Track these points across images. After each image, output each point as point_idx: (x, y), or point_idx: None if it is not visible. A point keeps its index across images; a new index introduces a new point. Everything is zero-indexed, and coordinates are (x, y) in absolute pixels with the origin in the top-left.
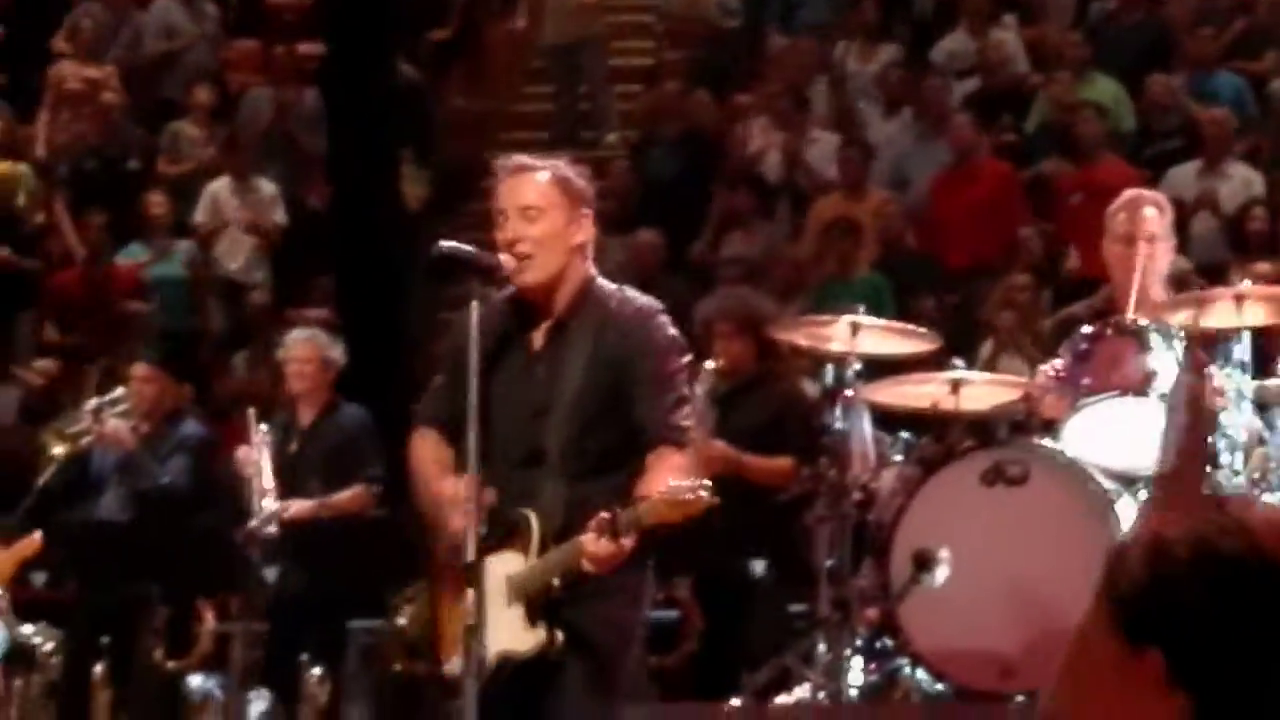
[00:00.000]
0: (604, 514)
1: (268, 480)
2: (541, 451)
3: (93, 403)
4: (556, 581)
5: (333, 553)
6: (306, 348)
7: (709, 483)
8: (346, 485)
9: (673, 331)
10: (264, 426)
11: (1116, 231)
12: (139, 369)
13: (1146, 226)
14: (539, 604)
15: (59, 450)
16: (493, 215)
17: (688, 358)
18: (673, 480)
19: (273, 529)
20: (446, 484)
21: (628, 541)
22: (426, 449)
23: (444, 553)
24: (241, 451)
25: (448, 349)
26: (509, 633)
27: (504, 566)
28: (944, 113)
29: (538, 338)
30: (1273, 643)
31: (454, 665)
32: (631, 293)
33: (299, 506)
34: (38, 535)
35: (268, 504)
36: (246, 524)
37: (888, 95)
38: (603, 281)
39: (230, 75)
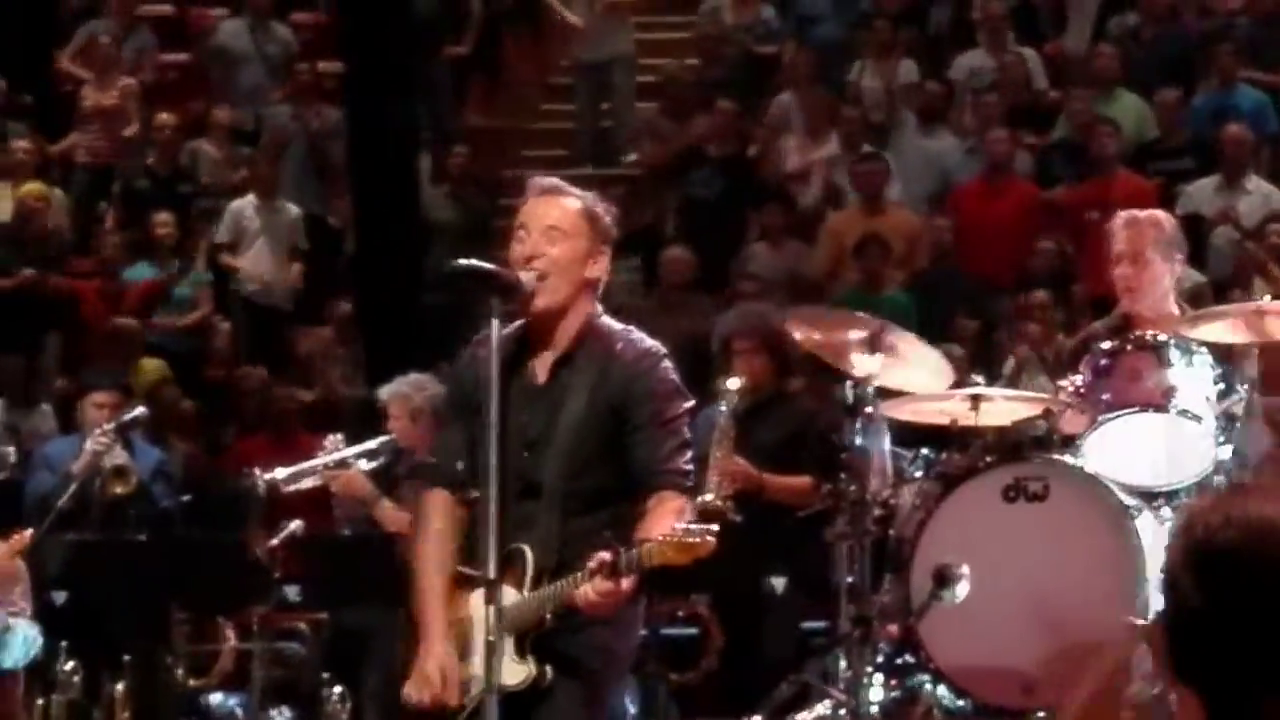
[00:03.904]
0: (604, 554)
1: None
2: (538, 485)
3: (101, 432)
4: (548, 615)
5: (350, 570)
6: (395, 405)
7: (715, 527)
8: None
9: (675, 376)
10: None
11: (1116, 250)
12: (101, 397)
13: (1139, 245)
14: (530, 637)
15: (121, 490)
16: (513, 230)
17: (689, 403)
18: (676, 524)
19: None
20: (430, 583)
21: (627, 583)
22: (435, 516)
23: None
24: (329, 440)
25: (449, 395)
26: (499, 664)
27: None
28: (980, 128)
29: (540, 370)
30: (1261, 641)
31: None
32: (636, 334)
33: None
34: (29, 532)
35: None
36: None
37: (920, 110)
38: (607, 320)
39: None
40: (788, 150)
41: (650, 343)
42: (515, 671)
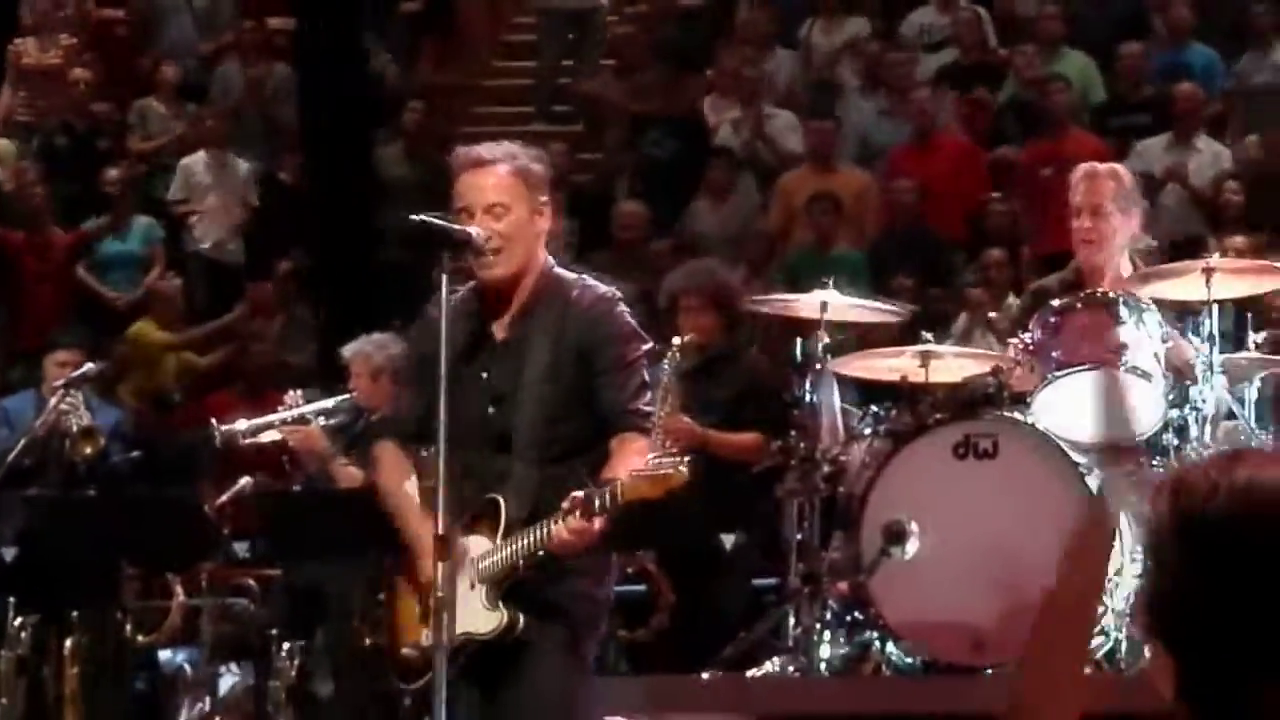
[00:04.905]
0: (577, 493)
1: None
2: (508, 437)
3: (58, 388)
4: (521, 564)
5: (308, 526)
6: (357, 363)
7: (686, 458)
8: None
9: (631, 319)
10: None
11: (1074, 203)
12: (63, 355)
13: (1098, 198)
14: (502, 586)
15: (90, 450)
16: (456, 210)
17: (647, 345)
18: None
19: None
20: (398, 500)
21: (599, 521)
22: (386, 459)
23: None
24: (289, 396)
25: (409, 358)
26: (471, 614)
27: (470, 549)
28: (908, 86)
29: (500, 327)
30: (1248, 620)
31: (410, 647)
32: (591, 281)
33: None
34: None
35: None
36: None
37: (859, 69)
38: (561, 270)
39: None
40: (713, 105)
41: (605, 288)
42: (488, 619)
